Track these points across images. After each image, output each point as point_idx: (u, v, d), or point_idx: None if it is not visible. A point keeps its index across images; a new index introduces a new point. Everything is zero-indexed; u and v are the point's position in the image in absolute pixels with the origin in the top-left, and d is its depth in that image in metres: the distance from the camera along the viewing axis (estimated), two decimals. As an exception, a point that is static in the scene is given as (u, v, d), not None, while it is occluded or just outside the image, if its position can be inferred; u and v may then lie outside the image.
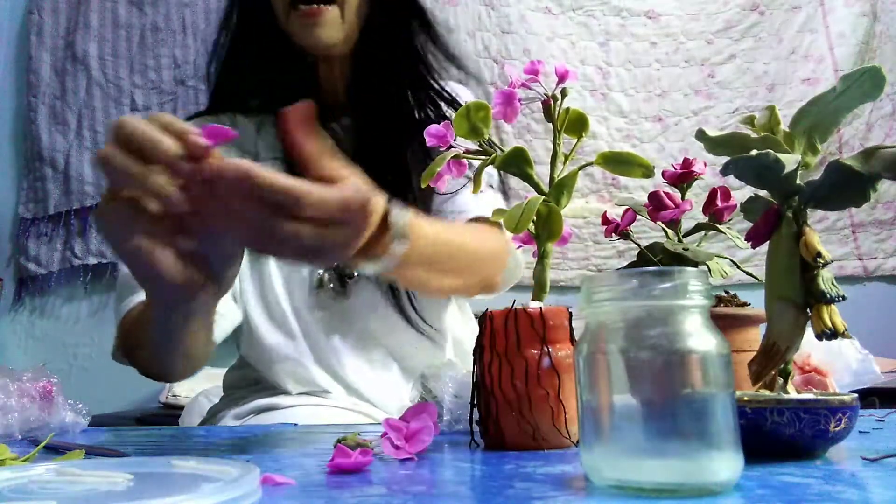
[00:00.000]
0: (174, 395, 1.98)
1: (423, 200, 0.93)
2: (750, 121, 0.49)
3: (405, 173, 0.93)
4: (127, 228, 0.48)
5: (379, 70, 0.96)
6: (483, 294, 0.93)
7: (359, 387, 0.94)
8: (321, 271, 0.94)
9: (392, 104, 0.96)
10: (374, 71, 0.96)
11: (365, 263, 0.60)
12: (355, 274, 0.93)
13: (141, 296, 0.83)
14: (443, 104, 0.98)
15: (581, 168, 0.58)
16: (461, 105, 0.94)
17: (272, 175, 0.46)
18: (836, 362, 0.67)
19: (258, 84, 0.97)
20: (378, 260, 0.61)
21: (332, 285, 0.94)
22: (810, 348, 0.66)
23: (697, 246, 0.60)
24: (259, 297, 0.95)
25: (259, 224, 0.47)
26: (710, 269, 0.58)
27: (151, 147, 0.46)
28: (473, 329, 1.04)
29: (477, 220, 0.91)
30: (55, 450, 0.57)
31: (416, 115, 0.96)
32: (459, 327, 1.02)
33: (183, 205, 0.47)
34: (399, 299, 0.94)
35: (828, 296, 0.43)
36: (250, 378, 1.00)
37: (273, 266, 0.95)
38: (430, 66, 0.99)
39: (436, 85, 0.99)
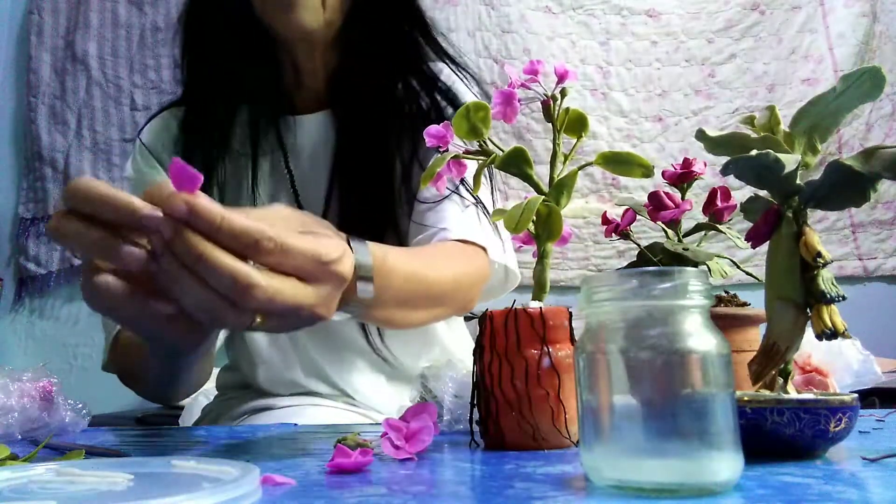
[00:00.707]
0: (174, 395, 1.98)
1: (408, 201, 0.89)
2: (750, 121, 0.49)
3: (388, 170, 0.88)
4: (110, 299, 0.44)
5: (364, 59, 0.89)
6: (457, 315, 0.89)
7: (347, 390, 0.93)
8: None
9: (376, 96, 0.89)
10: (358, 60, 0.89)
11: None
12: None
13: None
14: (438, 96, 0.91)
15: (581, 168, 0.58)
16: (455, 95, 0.92)
17: (240, 220, 0.42)
18: (837, 363, 0.66)
19: (230, 73, 0.90)
20: (345, 306, 0.56)
21: None
22: (811, 348, 0.66)
23: (697, 246, 0.60)
24: None
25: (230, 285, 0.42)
26: (710, 269, 0.59)
27: (112, 210, 0.41)
28: (461, 336, 1.03)
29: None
30: (55, 450, 0.57)
31: (406, 109, 0.90)
32: (447, 336, 0.99)
33: (150, 267, 0.42)
34: (368, 331, 0.90)
35: (828, 296, 0.43)
36: (242, 380, 0.99)
37: None
38: (423, 54, 0.92)
39: (429, 75, 0.92)
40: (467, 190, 0.86)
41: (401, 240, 0.88)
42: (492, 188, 0.92)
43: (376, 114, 0.90)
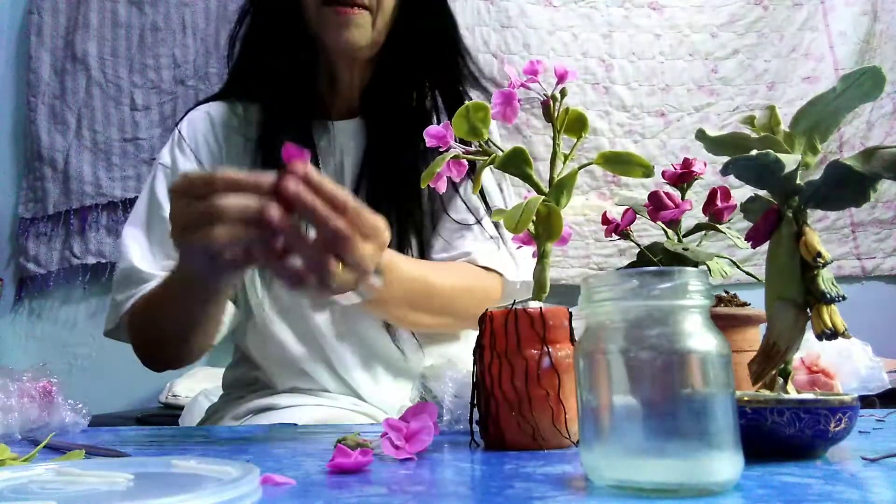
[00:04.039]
0: (174, 395, 1.98)
1: (432, 212, 0.95)
2: (750, 121, 0.49)
3: (413, 180, 0.93)
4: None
5: (398, 78, 0.96)
6: (469, 329, 0.95)
7: (353, 384, 0.94)
8: None
9: (404, 112, 0.96)
10: (392, 78, 0.96)
11: (346, 291, 0.65)
12: None
13: (146, 288, 0.88)
14: None
15: (581, 168, 0.58)
16: None
17: (335, 188, 0.55)
18: (845, 366, 0.66)
19: (275, 76, 0.97)
20: (357, 290, 0.65)
21: None
22: (821, 350, 0.66)
23: (697, 246, 0.60)
24: (267, 297, 0.95)
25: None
26: (710, 269, 0.58)
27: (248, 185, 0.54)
28: (466, 345, 1.04)
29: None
30: (55, 450, 0.57)
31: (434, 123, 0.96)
32: (453, 345, 1.01)
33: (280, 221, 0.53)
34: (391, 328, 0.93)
35: (828, 296, 0.43)
36: (249, 377, 1.00)
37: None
38: (457, 76, 0.99)
39: (459, 94, 0.98)
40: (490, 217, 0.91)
41: (422, 248, 0.94)
42: (501, 190, 0.99)
43: (406, 125, 0.94)
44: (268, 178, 0.55)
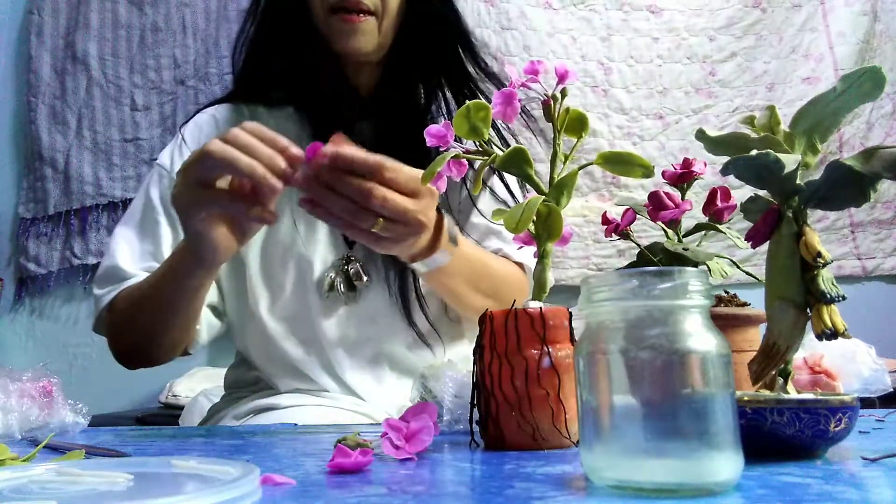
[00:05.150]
0: (174, 395, 1.98)
1: (448, 210, 0.97)
2: (750, 121, 0.49)
3: None
4: (205, 206, 0.66)
5: (406, 80, 0.98)
6: None
7: (357, 388, 0.94)
8: (332, 274, 0.94)
9: (413, 113, 0.97)
10: (401, 80, 0.97)
11: (421, 256, 0.74)
12: (364, 278, 0.93)
13: (124, 285, 0.90)
14: None
15: (581, 168, 0.58)
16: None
17: (359, 152, 0.63)
18: (848, 367, 0.66)
19: (283, 78, 0.98)
20: (432, 255, 0.75)
21: (342, 289, 0.93)
22: (824, 350, 0.66)
23: (697, 246, 0.60)
24: (271, 302, 0.95)
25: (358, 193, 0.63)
26: (710, 269, 0.58)
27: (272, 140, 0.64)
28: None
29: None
30: (55, 450, 0.57)
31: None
32: (462, 346, 1.02)
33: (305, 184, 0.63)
34: (408, 306, 0.94)
35: (828, 296, 0.43)
36: (251, 377, 1.00)
37: (283, 270, 0.95)
38: (468, 74, 1.00)
39: (467, 94, 0.99)
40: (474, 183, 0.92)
41: None
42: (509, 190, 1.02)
43: (414, 126, 0.93)
44: (285, 141, 0.64)
